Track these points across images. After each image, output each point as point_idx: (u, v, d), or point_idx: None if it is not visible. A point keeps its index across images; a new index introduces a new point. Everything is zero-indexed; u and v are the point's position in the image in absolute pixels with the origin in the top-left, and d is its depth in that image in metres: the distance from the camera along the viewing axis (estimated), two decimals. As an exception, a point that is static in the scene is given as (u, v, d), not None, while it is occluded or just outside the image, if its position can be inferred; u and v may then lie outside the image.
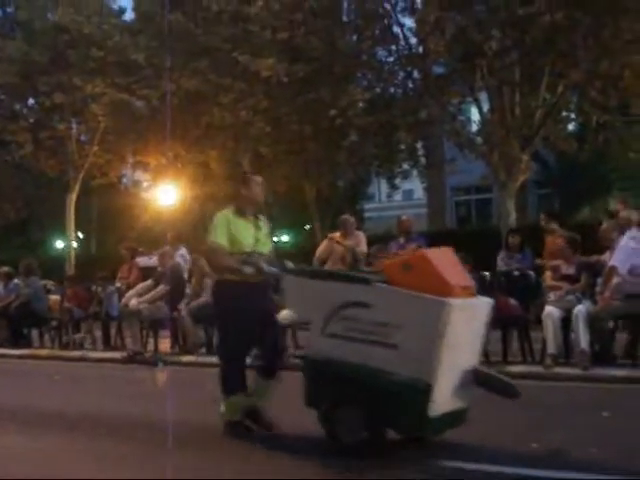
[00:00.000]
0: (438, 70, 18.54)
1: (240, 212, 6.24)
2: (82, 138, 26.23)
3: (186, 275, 12.54)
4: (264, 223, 6.44)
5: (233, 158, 21.99)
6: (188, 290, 12.09)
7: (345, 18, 20.91)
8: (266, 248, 6.34)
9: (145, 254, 14.80)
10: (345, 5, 21.05)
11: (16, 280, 14.47)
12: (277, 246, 24.31)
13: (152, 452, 5.63)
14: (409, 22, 18.40)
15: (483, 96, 17.68)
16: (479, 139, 18.34)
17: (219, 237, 6.11)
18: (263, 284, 6.14)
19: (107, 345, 13.12)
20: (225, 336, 6.45)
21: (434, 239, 11.91)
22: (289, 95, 19.46)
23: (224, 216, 6.22)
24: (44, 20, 24.66)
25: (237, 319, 5.97)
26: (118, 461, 5.43)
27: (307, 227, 31.28)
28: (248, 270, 5.91)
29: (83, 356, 12.55)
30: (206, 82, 20.29)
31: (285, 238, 36.69)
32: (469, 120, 19.95)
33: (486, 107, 17.65)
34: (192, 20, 21.29)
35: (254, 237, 6.20)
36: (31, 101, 26.60)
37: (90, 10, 23.39)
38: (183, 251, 13.07)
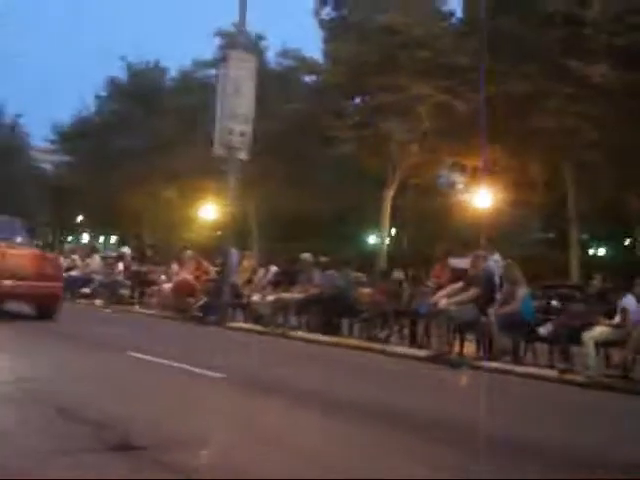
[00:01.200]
0: None
1: None
2: (403, 138, 26.76)
3: (497, 280, 12.30)
4: None
5: (554, 165, 21.29)
6: (498, 296, 11.85)
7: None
8: None
9: (458, 256, 14.74)
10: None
11: (332, 271, 15.07)
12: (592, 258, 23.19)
13: (452, 452, 5.52)
14: None
15: None
16: None
17: None
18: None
19: (413, 342, 13.22)
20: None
21: None
22: (617, 103, 18.44)
23: None
24: (373, 22, 25.43)
25: None
26: (411, 455, 5.39)
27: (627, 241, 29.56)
28: None
29: (388, 350, 12.74)
30: (533, 85, 19.80)
31: (601, 251, 34.97)
32: None
33: None
34: (522, 23, 20.89)
35: None
36: (357, 100, 27.60)
37: (420, 13, 23.75)
38: (497, 256, 12.85)
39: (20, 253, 14.24)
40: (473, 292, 11.64)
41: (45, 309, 14.41)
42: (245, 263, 18.92)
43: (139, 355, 9.99)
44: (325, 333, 14.21)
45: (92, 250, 27.07)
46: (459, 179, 31.93)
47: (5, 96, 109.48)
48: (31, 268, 13.90)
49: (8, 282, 13.37)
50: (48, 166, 55.79)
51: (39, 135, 57.75)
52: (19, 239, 15.20)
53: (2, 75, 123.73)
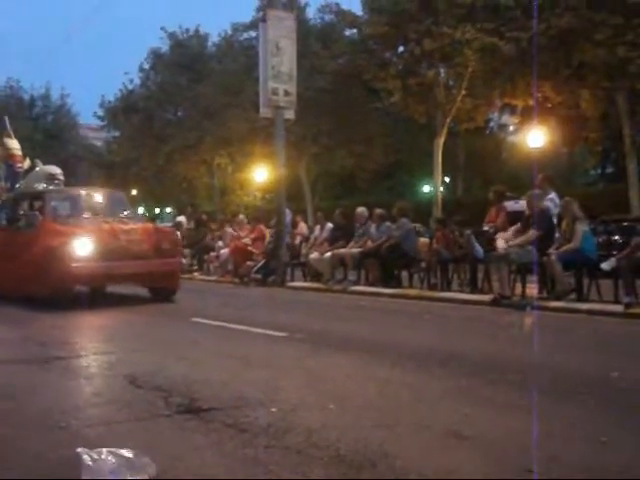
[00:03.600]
0: None
1: None
2: (450, 84, 26.41)
3: (555, 219, 12.11)
4: None
5: (607, 97, 20.78)
6: (557, 234, 11.68)
7: None
8: None
9: (512, 198, 14.54)
10: None
11: (387, 222, 15.02)
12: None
13: (519, 396, 5.48)
14: None
15: None
16: None
17: None
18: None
19: (474, 287, 13.14)
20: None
21: None
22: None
23: None
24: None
25: None
26: (481, 401, 5.36)
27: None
28: None
29: (449, 297, 12.70)
30: (579, 18, 19.28)
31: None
32: None
33: None
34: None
35: None
36: (400, 49, 27.24)
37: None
38: (553, 195, 12.63)
39: (132, 228, 12.81)
40: (532, 234, 11.50)
41: (163, 290, 13.09)
42: (300, 224, 19.06)
43: (202, 320, 10.14)
44: (385, 286, 14.22)
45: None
46: (510, 120, 31.46)
47: (51, 77, 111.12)
48: (146, 244, 12.50)
49: (120, 263, 12.01)
50: (99, 143, 56.47)
51: (87, 113, 58.45)
52: (126, 212, 14.19)
53: (48, 57, 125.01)
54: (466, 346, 7.90)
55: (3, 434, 4.64)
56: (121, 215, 13.68)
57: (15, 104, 50.93)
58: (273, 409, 5.13)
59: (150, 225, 14.41)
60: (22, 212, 14.02)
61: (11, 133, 18.65)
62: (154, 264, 12.44)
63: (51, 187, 14.96)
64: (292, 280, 16.63)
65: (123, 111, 44.07)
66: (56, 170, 16.28)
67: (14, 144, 18.21)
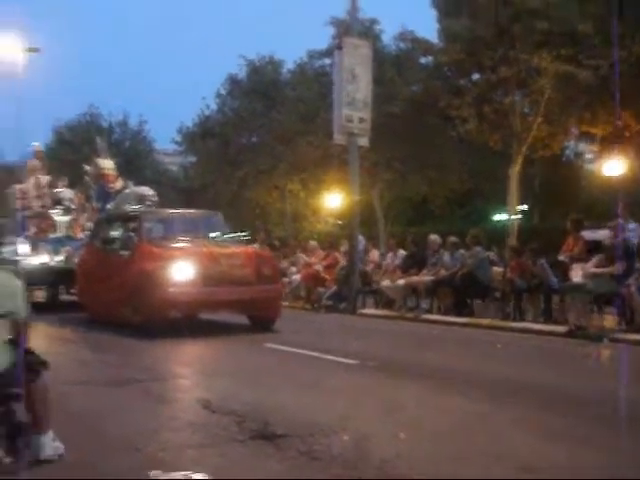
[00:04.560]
0: None
1: None
2: (526, 111, 26.13)
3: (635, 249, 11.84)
4: None
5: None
6: (639, 265, 11.41)
7: None
8: None
9: (591, 227, 14.28)
10: None
11: (461, 250, 14.90)
12: None
13: (593, 429, 5.36)
14: None
15: None
16: None
17: None
18: None
19: (548, 318, 12.91)
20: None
21: None
22: None
23: None
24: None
25: None
26: (554, 434, 5.26)
27: None
28: None
29: (523, 327, 12.49)
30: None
31: None
32: None
33: None
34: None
35: None
36: (475, 76, 27.08)
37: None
38: (634, 225, 12.37)
39: (233, 252, 12.21)
40: (618, 266, 11.16)
41: (263, 318, 12.25)
42: (372, 251, 19.04)
43: (276, 346, 10.20)
44: (458, 314, 14.07)
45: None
46: (587, 149, 30.99)
47: (130, 103, 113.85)
48: (247, 269, 11.75)
49: (220, 289, 11.32)
50: (174, 168, 57.46)
51: (163, 139, 59.60)
52: (223, 236, 13.57)
53: (126, 83, 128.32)
54: (539, 377, 7.77)
55: (82, 456, 4.74)
56: (219, 238, 13.24)
57: (95, 131, 52.29)
58: (345, 437, 5.14)
59: (251, 249, 13.92)
60: (116, 233, 13.75)
61: (104, 153, 18.77)
62: (255, 290, 11.67)
63: (141, 208, 14.88)
64: (364, 307, 16.59)
65: (200, 136, 44.81)
66: (148, 191, 16.35)
67: (107, 164, 18.24)
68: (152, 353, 10.00)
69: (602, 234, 12.52)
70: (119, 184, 17.91)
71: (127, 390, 7.12)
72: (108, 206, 16.90)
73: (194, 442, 5.12)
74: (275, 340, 10.66)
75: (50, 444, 4.58)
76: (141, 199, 15.68)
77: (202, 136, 44.58)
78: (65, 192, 18.76)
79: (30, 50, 32.32)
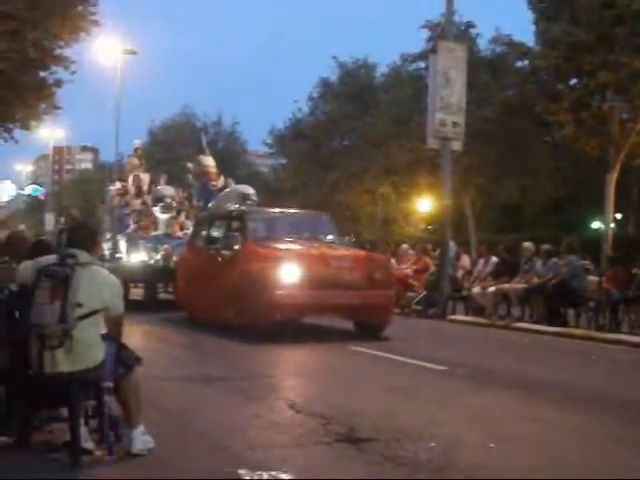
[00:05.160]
0: None
1: None
2: (624, 117, 25.41)
3: None
4: None
5: None
6: None
7: None
8: None
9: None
10: None
11: (555, 258, 14.59)
12: None
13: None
14: None
15: None
16: None
17: None
18: None
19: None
20: None
21: None
22: None
23: None
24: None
25: None
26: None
27: None
28: None
29: (619, 339, 12.14)
30: None
31: None
32: None
33: None
34: None
35: None
36: (574, 81, 26.48)
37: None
38: None
39: (343, 255, 11.65)
40: None
41: (372, 324, 11.59)
42: (462, 257, 18.80)
43: (361, 349, 10.16)
44: (550, 324, 13.76)
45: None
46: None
47: (223, 104, 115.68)
48: (358, 273, 11.17)
49: (330, 292, 10.78)
50: (265, 169, 58.09)
51: (255, 140, 60.26)
52: (331, 237, 12.90)
53: (221, 85, 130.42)
54: (635, 392, 7.53)
55: (169, 452, 4.81)
56: (328, 239, 12.64)
57: (189, 131, 53.27)
58: (432, 444, 5.08)
59: (362, 252, 13.12)
60: (218, 233, 13.34)
61: (207, 150, 18.64)
62: (366, 295, 11.05)
63: (243, 207, 14.59)
64: (453, 313, 16.40)
65: (291, 139, 45.18)
66: (249, 190, 16.10)
67: (209, 161, 18.12)
68: (235, 351, 10.10)
69: None
70: (221, 182, 17.73)
71: (211, 387, 7.22)
72: (209, 205, 16.72)
73: (279, 442, 5.15)
74: (362, 343, 10.61)
75: (140, 438, 4.67)
76: (242, 198, 15.43)
77: (293, 138, 44.93)
78: (166, 189, 18.64)
79: (128, 52, 33.31)
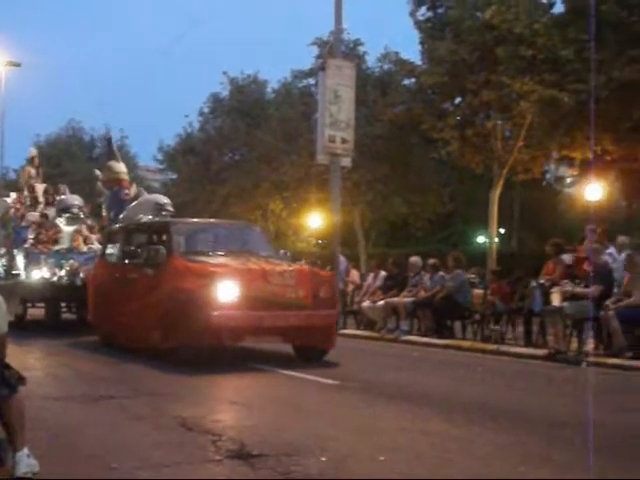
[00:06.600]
0: None
1: None
2: (507, 134, 26.31)
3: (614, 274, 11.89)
4: None
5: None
6: (615, 290, 11.46)
7: None
8: None
9: (570, 251, 14.34)
10: None
11: (441, 272, 14.93)
12: None
13: (575, 454, 5.34)
14: None
15: None
16: None
17: None
18: None
19: (528, 341, 12.93)
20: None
21: None
22: None
23: None
24: (474, 19, 24.91)
25: None
26: (535, 459, 5.23)
27: None
28: None
29: (503, 350, 12.51)
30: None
31: None
32: None
33: None
34: (624, 9, 20.21)
35: None
36: (459, 99, 27.23)
37: (520, 7, 23.02)
38: (612, 249, 12.45)
39: (285, 270, 10.25)
40: (594, 289, 11.24)
41: (315, 348, 10.57)
42: (352, 271, 19.01)
43: (255, 365, 10.13)
44: (438, 336, 14.07)
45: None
46: (567, 173, 31.24)
47: (112, 119, 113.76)
48: (302, 291, 10.04)
49: (270, 313, 9.70)
50: (156, 184, 57.34)
51: (145, 155, 59.44)
52: (267, 251, 11.83)
53: (109, 99, 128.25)
54: (519, 401, 7.77)
55: (56, 474, 4.66)
56: (263, 253, 11.45)
57: (76, 145, 52.05)
58: (323, 458, 5.09)
59: (306, 267, 11.98)
60: (136, 246, 12.07)
61: (117, 156, 17.12)
62: (311, 316, 10.07)
63: (167, 218, 13.41)
64: (344, 328, 16.53)
65: (182, 154, 44.76)
66: (164, 200, 14.98)
67: (121, 167, 16.61)
68: (125, 367, 9.91)
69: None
70: (133, 191, 16.39)
71: (99, 406, 7.05)
72: (121, 216, 15.16)
73: (170, 461, 5.05)
74: (253, 360, 10.57)
75: (25, 461, 4.50)
76: (157, 209, 14.25)
77: (184, 153, 44.53)
78: (73, 198, 17.35)
79: (11, 64, 32.34)
